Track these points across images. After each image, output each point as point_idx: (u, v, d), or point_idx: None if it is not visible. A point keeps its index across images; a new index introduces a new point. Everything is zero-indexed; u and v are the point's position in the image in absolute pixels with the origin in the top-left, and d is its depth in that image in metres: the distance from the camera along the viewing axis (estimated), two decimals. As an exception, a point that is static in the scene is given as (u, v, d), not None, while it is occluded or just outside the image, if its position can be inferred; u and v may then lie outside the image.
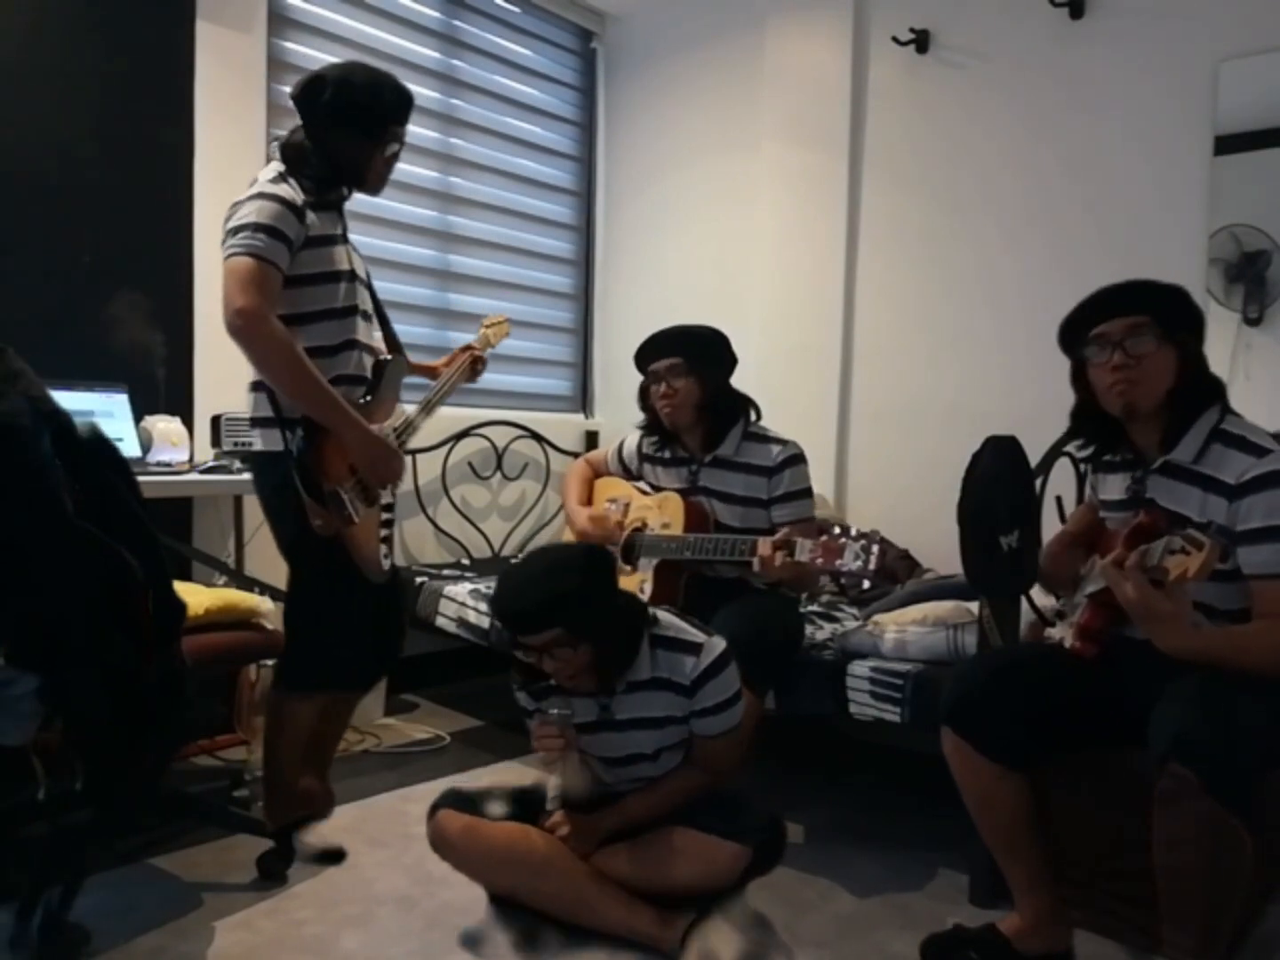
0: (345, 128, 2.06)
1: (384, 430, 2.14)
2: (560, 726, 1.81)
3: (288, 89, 2.17)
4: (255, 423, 2.09)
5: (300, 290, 2.03)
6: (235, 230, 1.96)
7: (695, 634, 1.87)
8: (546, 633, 1.72)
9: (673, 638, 1.86)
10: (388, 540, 2.20)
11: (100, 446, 1.67)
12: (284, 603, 2.18)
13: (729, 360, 2.48)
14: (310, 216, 2.02)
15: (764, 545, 2.11)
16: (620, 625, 1.82)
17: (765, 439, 2.44)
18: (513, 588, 1.77)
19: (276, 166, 2.07)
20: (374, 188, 2.17)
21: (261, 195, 1.98)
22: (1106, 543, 1.74)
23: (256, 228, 1.93)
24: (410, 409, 2.30)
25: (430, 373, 2.54)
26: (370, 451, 2.06)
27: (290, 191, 2.01)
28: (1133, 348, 1.65)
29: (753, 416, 2.48)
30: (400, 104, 2.12)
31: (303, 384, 1.97)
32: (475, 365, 2.55)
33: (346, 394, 2.08)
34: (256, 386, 2.07)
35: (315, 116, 2.06)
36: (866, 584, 1.98)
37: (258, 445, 2.09)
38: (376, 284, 2.30)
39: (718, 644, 1.86)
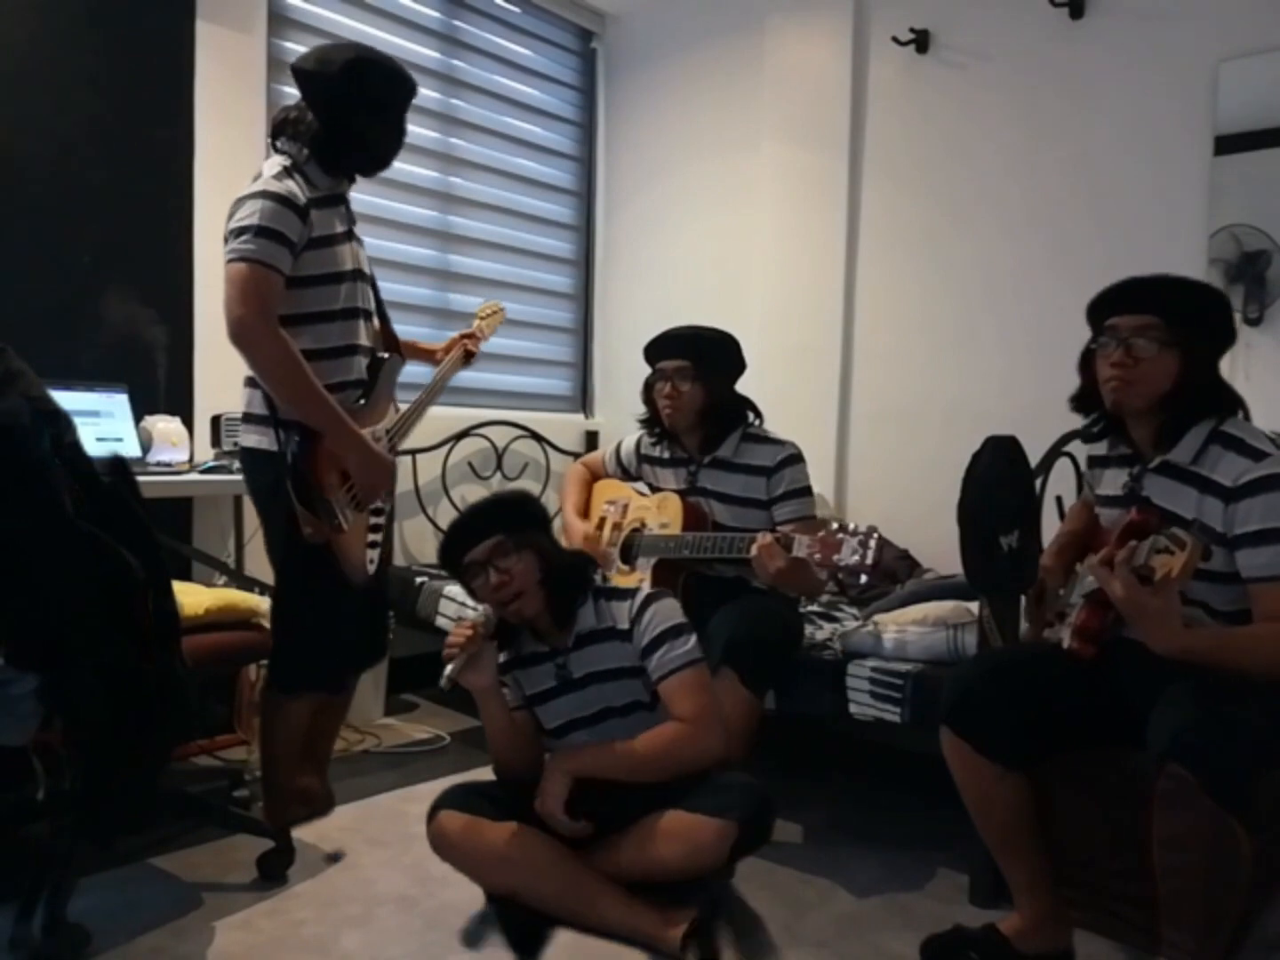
0: (378, 114, 2.07)
1: (376, 432, 2.14)
2: (476, 624, 1.85)
3: (288, 89, 2.17)
4: (249, 419, 2.09)
5: (303, 291, 2.02)
6: (237, 233, 1.94)
7: (629, 588, 2.03)
8: (488, 541, 1.86)
9: (611, 588, 2.01)
10: (375, 545, 2.20)
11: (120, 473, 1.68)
12: (271, 605, 2.19)
13: (738, 367, 2.47)
14: (314, 214, 2.00)
15: (762, 538, 2.10)
16: (558, 547, 2.00)
17: (764, 440, 2.43)
18: (455, 521, 1.97)
19: (280, 161, 2.03)
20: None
21: (264, 195, 1.95)
22: (1100, 541, 1.73)
23: (257, 231, 1.92)
24: (404, 409, 2.30)
25: (428, 356, 2.53)
26: (363, 461, 2.06)
27: (294, 188, 1.98)
28: (1135, 348, 1.64)
29: (752, 419, 2.47)
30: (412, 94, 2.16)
31: (302, 392, 1.97)
32: (468, 354, 2.54)
33: (346, 398, 2.08)
34: (253, 383, 2.07)
35: (347, 100, 2.02)
36: (864, 578, 1.98)
37: (250, 441, 2.08)
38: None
39: (645, 589, 1.99)
